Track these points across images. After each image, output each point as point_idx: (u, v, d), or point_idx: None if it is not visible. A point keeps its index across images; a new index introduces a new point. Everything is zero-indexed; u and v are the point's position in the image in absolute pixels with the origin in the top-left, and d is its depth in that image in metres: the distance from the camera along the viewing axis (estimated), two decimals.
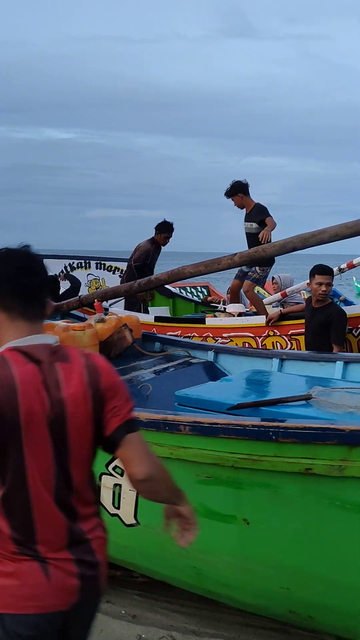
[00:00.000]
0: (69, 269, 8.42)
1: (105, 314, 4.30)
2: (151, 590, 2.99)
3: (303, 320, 4.95)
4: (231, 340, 5.55)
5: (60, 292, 6.85)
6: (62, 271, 8.00)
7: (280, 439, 1.96)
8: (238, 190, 6.28)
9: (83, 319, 4.71)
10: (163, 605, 2.88)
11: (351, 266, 7.60)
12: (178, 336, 5.70)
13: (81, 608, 1.40)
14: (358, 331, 4.94)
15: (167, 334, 5.76)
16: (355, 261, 7.26)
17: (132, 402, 1.49)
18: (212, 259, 3.78)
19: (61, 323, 3.97)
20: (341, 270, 7.42)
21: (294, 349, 5.22)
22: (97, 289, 8.66)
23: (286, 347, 5.30)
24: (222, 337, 5.59)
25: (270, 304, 6.56)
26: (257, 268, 6.08)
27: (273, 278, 7.19)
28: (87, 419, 1.40)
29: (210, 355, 4.09)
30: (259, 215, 6.15)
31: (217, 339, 5.60)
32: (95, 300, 4.52)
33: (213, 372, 3.88)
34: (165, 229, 6.91)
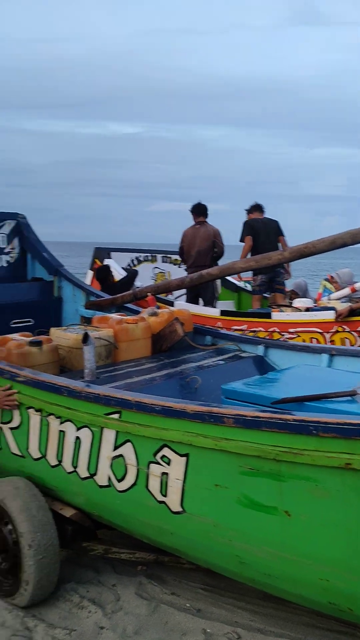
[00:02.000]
0: (135, 262, 8.59)
1: (157, 307, 4.42)
2: (216, 585, 3.07)
3: None
4: (298, 336, 5.52)
5: (117, 280, 7.02)
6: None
7: (321, 434, 2.00)
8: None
9: (137, 312, 4.84)
10: (228, 600, 2.96)
11: None
12: (244, 330, 5.75)
13: None
14: None
15: (233, 328, 5.83)
16: None
17: None
18: (263, 254, 3.82)
19: (115, 316, 4.12)
20: None
21: None
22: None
23: (355, 343, 5.25)
24: (289, 332, 5.58)
25: (339, 299, 6.51)
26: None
27: (331, 276, 7.15)
28: None
29: (260, 350, 4.14)
30: None
31: (283, 334, 5.59)
32: (149, 293, 4.65)
33: (262, 367, 3.93)
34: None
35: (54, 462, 3.02)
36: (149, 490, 2.61)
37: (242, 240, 7.40)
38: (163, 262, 8.80)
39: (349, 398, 2.53)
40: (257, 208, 7.67)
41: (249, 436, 2.20)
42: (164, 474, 2.54)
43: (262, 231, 7.34)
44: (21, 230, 5.67)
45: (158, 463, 2.55)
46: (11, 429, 3.19)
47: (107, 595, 3.05)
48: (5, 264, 5.58)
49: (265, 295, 7.54)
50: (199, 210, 7.48)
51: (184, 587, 3.10)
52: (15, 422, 3.16)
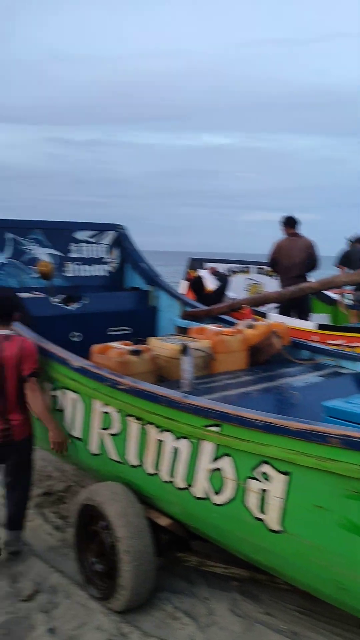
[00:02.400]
0: (229, 273, 8.61)
1: (253, 320, 4.38)
2: (313, 609, 2.99)
3: None
4: None
5: (211, 290, 7.06)
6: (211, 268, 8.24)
7: None
8: None
9: (232, 324, 4.83)
10: (325, 627, 2.88)
11: None
12: (341, 345, 5.59)
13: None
14: None
15: (329, 342, 5.68)
16: None
17: (37, 363, 3.44)
18: None
19: (212, 327, 4.13)
20: None
21: None
22: (256, 293, 8.76)
23: None
24: None
25: None
26: None
27: None
28: (14, 367, 3.34)
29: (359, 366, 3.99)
30: None
31: None
32: (246, 305, 4.62)
33: None
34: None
35: (151, 470, 3.06)
36: (247, 506, 2.58)
37: (337, 265, 7.32)
38: (257, 273, 8.73)
39: None
40: None
41: (355, 458, 2.12)
42: (263, 490, 2.50)
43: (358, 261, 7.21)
44: (121, 240, 5.85)
45: (257, 479, 2.51)
46: (111, 435, 3.28)
47: (200, 608, 3.05)
48: (105, 273, 5.78)
49: None
50: (291, 223, 7.40)
51: (279, 608, 3.03)
52: (115, 429, 3.24)
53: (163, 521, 3.10)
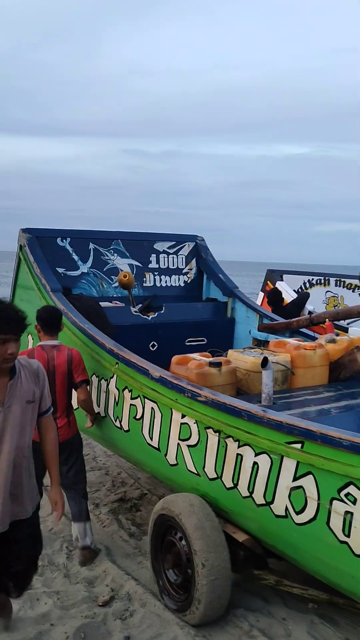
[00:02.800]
0: (307, 285, 8.47)
1: (336, 335, 4.27)
2: None
3: None
4: None
5: (287, 303, 6.95)
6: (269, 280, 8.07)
7: None
8: None
9: (312, 338, 4.73)
10: None
11: None
12: None
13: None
14: None
15: None
16: None
17: (85, 372, 3.78)
18: None
19: (292, 341, 4.05)
20: None
21: None
22: (335, 306, 8.55)
23: None
24: None
25: None
26: None
27: None
28: (62, 374, 3.64)
29: None
30: None
31: None
32: (327, 319, 4.51)
33: None
34: None
35: (229, 484, 3.03)
36: (330, 528, 2.50)
37: None
38: (336, 286, 8.53)
39: None
40: None
41: None
42: (348, 512, 2.41)
43: None
44: (199, 251, 5.88)
45: (342, 500, 2.43)
46: (189, 446, 3.28)
47: (277, 629, 2.98)
48: (182, 284, 5.82)
49: None
50: None
51: (358, 634, 2.92)
52: (193, 440, 3.24)
53: (240, 536, 3.06)
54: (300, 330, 4.88)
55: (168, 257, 5.79)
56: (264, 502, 2.82)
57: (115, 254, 5.49)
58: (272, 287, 7.78)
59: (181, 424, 3.29)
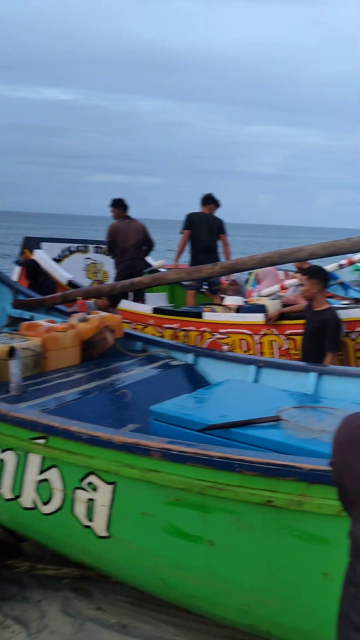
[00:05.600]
0: (67, 252, 8.36)
1: (89, 313, 4.36)
2: (142, 597, 3.06)
3: (302, 321, 5.04)
4: (228, 337, 5.58)
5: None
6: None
7: (244, 472, 2.06)
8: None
9: (67, 314, 4.76)
10: (153, 614, 2.96)
11: (351, 263, 7.88)
12: (176, 329, 5.77)
13: None
14: (355, 335, 5.02)
15: (165, 326, 5.82)
16: (355, 258, 7.50)
17: None
18: (194, 266, 3.84)
19: (44, 324, 4.03)
20: (341, 266, 7.76)
21: (290, 348, 5.30)
22: (94, 273, 8.62)
23: (282, 346, 5.37)
24: (220, 333, 5.62)
25: (268, 296, 6.55)
26: None
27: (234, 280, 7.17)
28: None
29: (189, 358, 4.18)
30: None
31: (214, 334, 5.63)
32: (79, 298, 4.57)
33: (191, 377, 3.97)
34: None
35: None
36: (75, 515, 2.61)
37: (181, 232, 7.39)
38: (95, 252, 8.65)
39: (273, 423, 2.62)
40: (208, 201, 7.58)
41: (175, 469, 2.23)
42: (90, 499, 2.54)
43: (203, 225, 7.32)
44: None
45: (84, 489, 2.54)
46: None
47: (32, 613, 3.03)
48: None
49: (201, 290, 7.58)
50: (122, 205, 7.52)
51: (109, 601, 3.12)
52: None
53: None
54: (55, 306, 4.87)
55: None
56: (12, 497, 2.81)
57: None
58: (29, 256, 7.57)
59: None
